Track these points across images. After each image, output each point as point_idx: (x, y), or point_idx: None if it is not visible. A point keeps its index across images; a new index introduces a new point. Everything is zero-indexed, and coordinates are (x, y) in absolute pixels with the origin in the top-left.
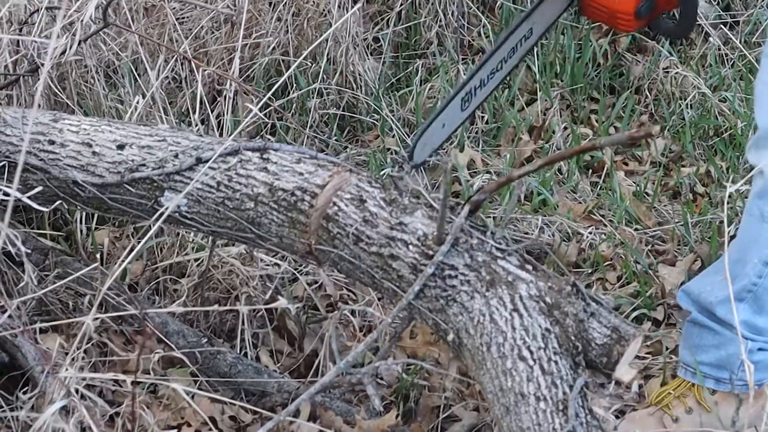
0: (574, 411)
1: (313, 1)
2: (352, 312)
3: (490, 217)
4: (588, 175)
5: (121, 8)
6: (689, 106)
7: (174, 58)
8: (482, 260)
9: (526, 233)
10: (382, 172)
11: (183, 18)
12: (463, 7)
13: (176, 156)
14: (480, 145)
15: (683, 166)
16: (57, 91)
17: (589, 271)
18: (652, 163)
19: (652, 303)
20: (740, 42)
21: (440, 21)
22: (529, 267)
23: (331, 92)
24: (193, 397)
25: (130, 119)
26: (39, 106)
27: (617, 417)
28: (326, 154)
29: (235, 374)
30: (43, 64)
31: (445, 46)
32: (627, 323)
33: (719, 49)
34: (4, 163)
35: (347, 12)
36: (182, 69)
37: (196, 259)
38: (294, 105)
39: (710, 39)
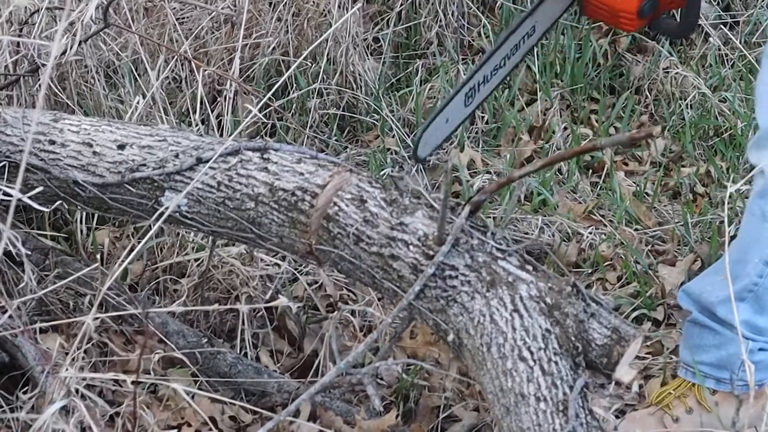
0: (575, 411)
1: (313, 2)
2: (352, 312)
3: (490, 217)
4: (588, 175)
5: (122, 8)
6: (689, 107)
7: (174, 58)
8: (483, 261)
9: (526, 233)
10: (382, 173)
11: (183, 18)
12: (463, 8)
13: (177, 156)
14: (480, 146)
15: (683, 166)
16: (57, 91)
17: (589, 271)
18: (652, 164)
19: (652, 303)
20: (740, 42)
21: (440, 21)
22: (530, 267)
23: (331, 92)
24: (193, 397)
25: (130, 119)
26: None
27: (617, 417)
28: (326, 154)
29: (235, 374)
30: (44, 65)
31: (445, 46)
32: (627, 324)
33: (719, 50)
34: (4, 163)
35: (347, 12)
36: (182, 69)
37: (196, 259)
38: (294, 105)
39: (710, 39)
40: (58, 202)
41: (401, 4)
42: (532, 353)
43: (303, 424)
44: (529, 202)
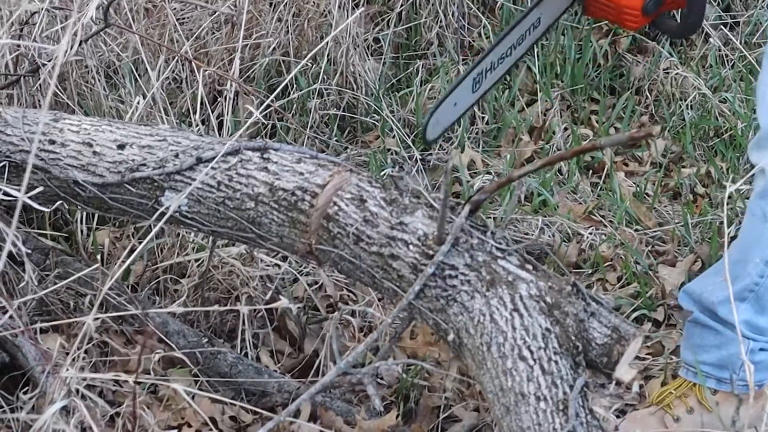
0: (575, 411)
1: (314, 2)
2: (353, 312)
3: (490, 217)
4: (588, 175)
5: (122, 9)
6: (689, 107)
7: (175, 58)
8: (482, 260)
9: (527, 234)
10: (382, 173)
11: (183, 18)
12: (463, 8)
13: (177, 156)
14: (480, 146)
15: (683, 166)
16: (58, 91)
17: (590, 271)
18: (652, 164)
19: (652, 304)
20: (740, 43)
21: (440, 22)
22: (530, 267)
23: (332, 93)
24: (193, 398)
25: (130, 119)
26: (41, 106)
27: (618, 417)
28: (327, 154)
29: (235, 374)
30: (44, 65)
31: (446, 46)
32: (627, 323)
33: (719, 50)
34: (4, 163)
35: (347, 13)
36: (183, 69)
37: (196, 260)
38: (294, 105)
39: (710, 40)
40: (58, 202)
41: (402, 5)
42: (532, 352)
43: (303, 425)
44: (530, 203)
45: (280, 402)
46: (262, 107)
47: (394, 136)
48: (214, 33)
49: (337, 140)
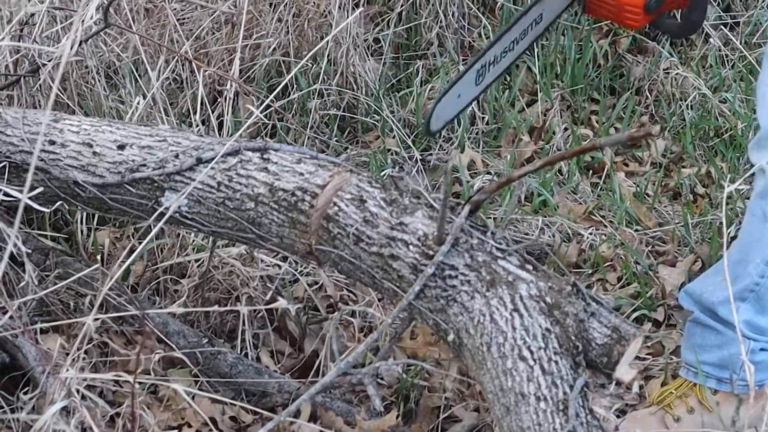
0: (575, 411)
1: (314, 2)
2: (353, 313)
3: (490, 217)
4: (588, 175)
5: (122, 9)
6: (689, 107)
7: (175, 58)
8: (482, 260)
9: (527, 234)
10: (382, 173)
11: (184, 19)
12: (463, 8)
13: (177, 156)
14: (480, 146)
15: (683, 167)
16: (58, 91)
17: (590, 271)
18: (652, 164)
19: (652, 304)
20: (741, 43)
21: (441, 22)
22: (530, 267)
23: (332, 93)
24: (193, 398)
25: (130, 120)
26: (41, 107)
27: (618, 417)
28: (327, 154)
29: (235, 375)
30: (44, 65)
31: (446, 47)
32: (627, 323)
33: (720, 50)
34: (4, 163)
35: (347, 13)
36: (183, 70)
37: (196, 260)
38: (294, 106)
39: (711, 40)
40: (58, 203)
41: (402, 5)
42: (532, 352)
43: (303, 425)
44: (530, 203)
45: (280, 402)
46: (262, 107)
47: (394, 137)
48: (214, 33)
49: (337, 140)
